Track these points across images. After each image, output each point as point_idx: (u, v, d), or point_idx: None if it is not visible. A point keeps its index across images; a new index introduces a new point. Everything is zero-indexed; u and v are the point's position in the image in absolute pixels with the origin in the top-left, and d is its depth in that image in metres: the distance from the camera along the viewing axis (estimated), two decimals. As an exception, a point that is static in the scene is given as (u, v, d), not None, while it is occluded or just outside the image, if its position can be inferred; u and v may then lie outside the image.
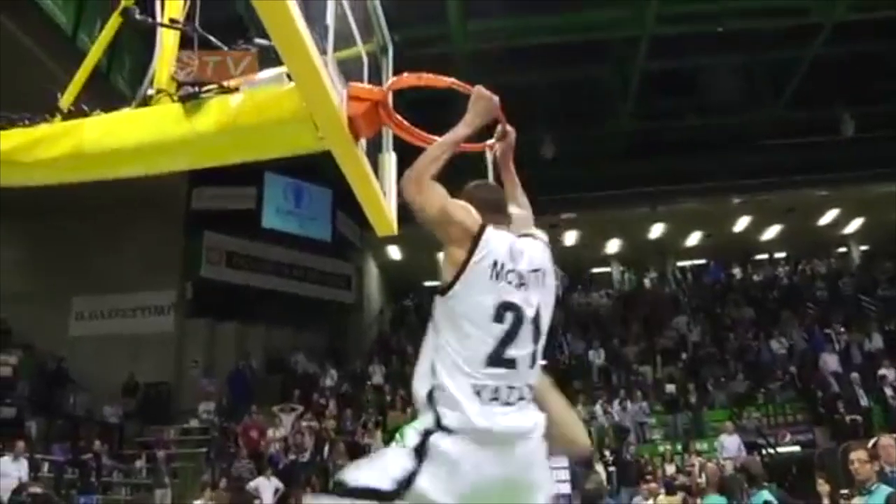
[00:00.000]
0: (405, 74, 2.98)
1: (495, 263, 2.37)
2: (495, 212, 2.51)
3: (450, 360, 2.35)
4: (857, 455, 5.40)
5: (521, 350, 2.36)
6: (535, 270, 2.44)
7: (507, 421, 2.30)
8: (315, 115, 2.74)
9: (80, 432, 15.73)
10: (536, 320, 2.41)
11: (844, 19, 16.47)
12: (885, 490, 5.12)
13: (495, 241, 2.40)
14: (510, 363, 2.35)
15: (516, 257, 2.41)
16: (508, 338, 2.35)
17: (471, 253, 2.37)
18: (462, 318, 2.37)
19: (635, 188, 21.10)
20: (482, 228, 2.40)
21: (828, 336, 18.54)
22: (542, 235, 2.58)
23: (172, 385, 18.57)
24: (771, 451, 15.08)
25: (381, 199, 3.27)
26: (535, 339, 2.40)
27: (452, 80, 2.93)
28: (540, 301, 2.43)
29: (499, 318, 2.35)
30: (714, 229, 23.64)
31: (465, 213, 2.43)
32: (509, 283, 2.37)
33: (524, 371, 2.38)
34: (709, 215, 22.56)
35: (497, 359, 2.33)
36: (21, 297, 17.67)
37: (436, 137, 2.93)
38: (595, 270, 26.28)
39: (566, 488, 12.40)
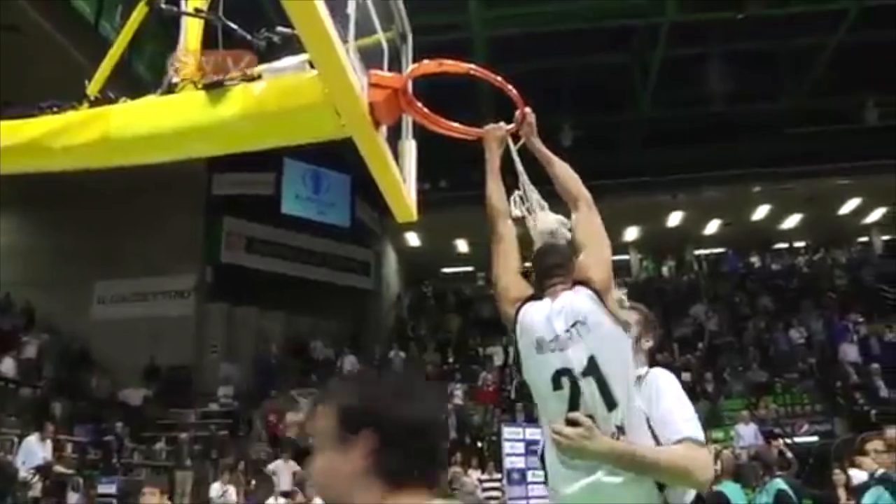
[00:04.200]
0: (425, 61, 3.01)
1: (537, 340, 2.48)
2: (549, 277, 2.61)
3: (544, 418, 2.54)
4: (874, 445, 5.38)
5: (590, 408, 2.39)
6: (575, 324, 2.43)
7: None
8: (337, 102, 2.77)
9: (103, 414, 15.99)
10: (592, 371, 2.40)
11: (869, 5, 16.24)
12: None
13: (531, 318, 2.52)
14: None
15: (553, 323, 2.46)
16: (574, 400, 2.40)
17: (514, 332, 2.57)
18: (534, 388, 2.55)
19: (654, 176, 20.98)
20: (518, 311, 2.56)
21: (847, 326, 18.38)
22: (593, 273, 2.60)
23: (192, 369, 18.77)
24: (788, 441, 15.00)
25: (401, 185, 3.30)
26: (602, 390, 2.39)
27: (472, 66, 2.95)
28: (592, 351, 2.40)
29: (557, 385, 2.43)
30: (733, 218, 23.46)
31: (512, 293, 2.66)
32: (552, 351, 2.45)
33: (602, 425, 2.38)
34: (728, 204, 22.39)
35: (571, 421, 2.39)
36: (45, 281, 17.96)
37: (455, 124, 2.97)
38: (613, 258, 26.13)
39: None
